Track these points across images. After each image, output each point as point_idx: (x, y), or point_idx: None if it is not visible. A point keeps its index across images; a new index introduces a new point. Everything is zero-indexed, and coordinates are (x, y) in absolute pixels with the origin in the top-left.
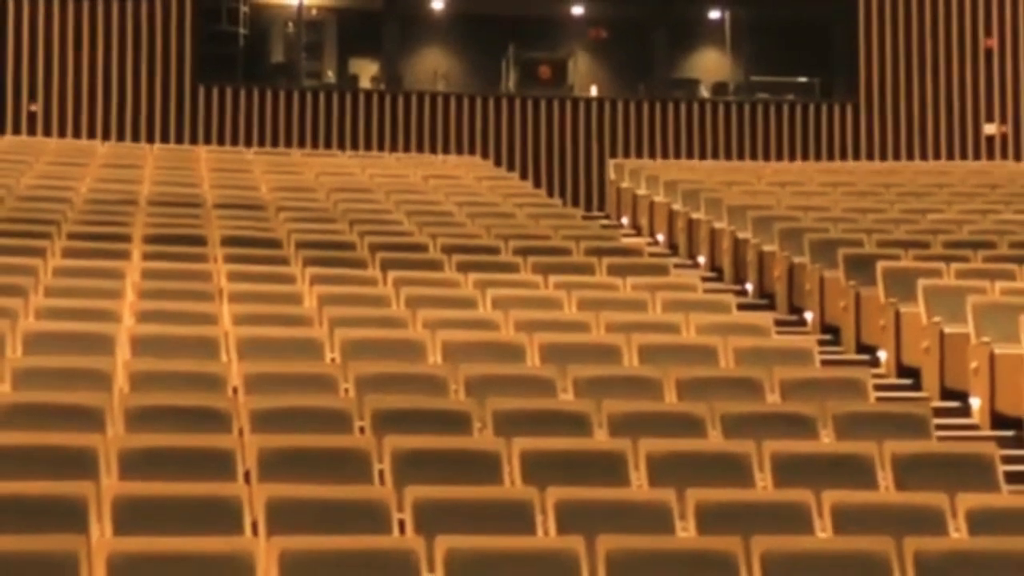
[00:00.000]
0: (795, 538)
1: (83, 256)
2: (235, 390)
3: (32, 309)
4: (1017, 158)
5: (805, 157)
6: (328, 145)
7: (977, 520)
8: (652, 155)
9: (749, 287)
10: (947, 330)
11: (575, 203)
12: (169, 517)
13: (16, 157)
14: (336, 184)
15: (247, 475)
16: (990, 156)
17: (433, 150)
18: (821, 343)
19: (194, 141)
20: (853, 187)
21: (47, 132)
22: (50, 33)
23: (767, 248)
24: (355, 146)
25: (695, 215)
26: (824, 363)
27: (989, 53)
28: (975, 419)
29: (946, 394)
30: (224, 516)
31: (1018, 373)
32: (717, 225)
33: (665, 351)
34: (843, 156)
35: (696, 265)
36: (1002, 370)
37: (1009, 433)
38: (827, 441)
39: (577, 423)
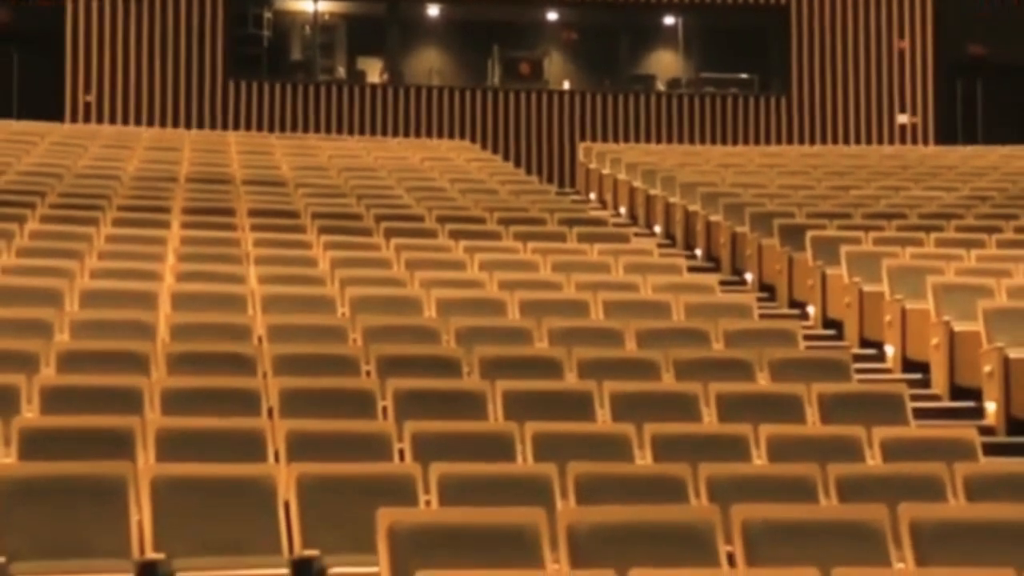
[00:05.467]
0: (736, 465)
1: (130, 225)
2: (260, 339)
3: (87, 270)
4: (925, 143)
5: (745, 142)
6: (339, 131)
7: (890, 449)
8: (616, 140)
9: (698, 252)
10: (866, 289)
11: (550, 181)
12: (204, 447)
13: (73, 141)
14: (346, 164)
15: (270, 411)
16: (902, 142)
17: (429, 135)
18: (759, 300)
19: (225, 128)
20: (786, 168)
21: (100, 120)
22: (103, 36)
23: (713, 219)
24: (362, 132)
25: (652, 191)
26: (761, 316)
27: (902, 53)
28: (889, 364)
29: (864, 343)
30: (250, 446)
31: (924, 325)
32: (671, 200)
33: (626, 306)
34: (778, 141)
35: (653, 234)
36: (912, 323)
37: (917, 376)
38: (763, 383)
39: (551, 367)
